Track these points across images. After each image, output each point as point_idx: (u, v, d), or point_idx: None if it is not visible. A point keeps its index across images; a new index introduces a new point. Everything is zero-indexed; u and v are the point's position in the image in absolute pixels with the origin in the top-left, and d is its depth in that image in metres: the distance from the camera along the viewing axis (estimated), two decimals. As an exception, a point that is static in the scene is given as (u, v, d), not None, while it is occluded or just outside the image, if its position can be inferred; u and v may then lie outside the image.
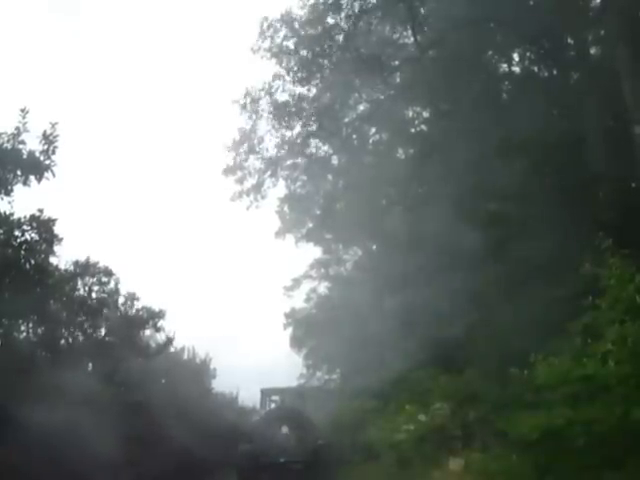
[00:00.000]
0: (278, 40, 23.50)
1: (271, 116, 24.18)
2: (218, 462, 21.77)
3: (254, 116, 24.61)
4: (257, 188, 25.61)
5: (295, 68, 22.75)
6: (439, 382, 15.96)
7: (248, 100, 24.22)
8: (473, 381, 14.29)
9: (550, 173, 13.82)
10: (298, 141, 24.70)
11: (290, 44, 23.31)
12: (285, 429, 20.67)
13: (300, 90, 23.36)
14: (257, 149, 25.38)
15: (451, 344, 17.08)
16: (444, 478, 12.42)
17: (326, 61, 21.78)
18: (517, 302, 13.50)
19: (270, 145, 25.17)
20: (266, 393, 23.52)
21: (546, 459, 8.09)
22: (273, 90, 23.78)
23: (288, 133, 24.77)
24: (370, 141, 26.57)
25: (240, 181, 25.80)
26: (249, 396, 31.83)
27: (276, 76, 23.66)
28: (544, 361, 7.69)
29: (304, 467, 18.97)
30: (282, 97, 23.83)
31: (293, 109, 23.48)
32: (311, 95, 23.58)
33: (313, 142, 24.90)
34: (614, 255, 7.28)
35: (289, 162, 25.65)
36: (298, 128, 24.29)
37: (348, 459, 20.21)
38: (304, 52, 22.22)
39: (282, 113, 23.74)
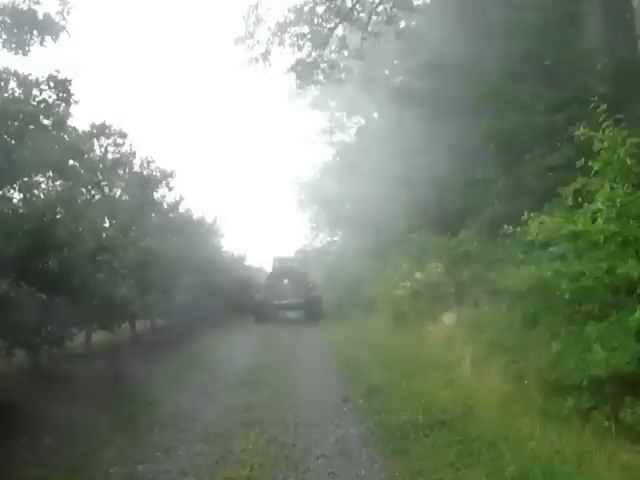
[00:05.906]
0: None
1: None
2: (237, 306, 26.25)
3: None
4: (265, 56, 25.51)
5: None
6: (435, 242, 16.55)
7: None
8: (467, 241, 14.84)
9: (547, 49, 13.67)
10: (305, 9, 24.77)
11: None
12: (286, 282, 26.61)
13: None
14: (265, 19, 25.21)
15: (448, 207, 17.67)
16: (437, 330, 13.14)
17: None
18: (513, 171, 13.83)
19: (278, 14, 25.05)
20: (277, 259, 29.43)
21: (534, 311, 8.51)
22: None
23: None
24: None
25: (249, 49, 25.60)
26: (254, 258, 34.95)
27: None
28: (536, 219, 7.57)
29: (301, 307, 25.74)
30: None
31: None
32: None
33: (319, 10, 24.71)
34: (608, 119, 7.13)
35: (295, 30, 25.41)
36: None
37: (348, 311, 22.22)
38: None
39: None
